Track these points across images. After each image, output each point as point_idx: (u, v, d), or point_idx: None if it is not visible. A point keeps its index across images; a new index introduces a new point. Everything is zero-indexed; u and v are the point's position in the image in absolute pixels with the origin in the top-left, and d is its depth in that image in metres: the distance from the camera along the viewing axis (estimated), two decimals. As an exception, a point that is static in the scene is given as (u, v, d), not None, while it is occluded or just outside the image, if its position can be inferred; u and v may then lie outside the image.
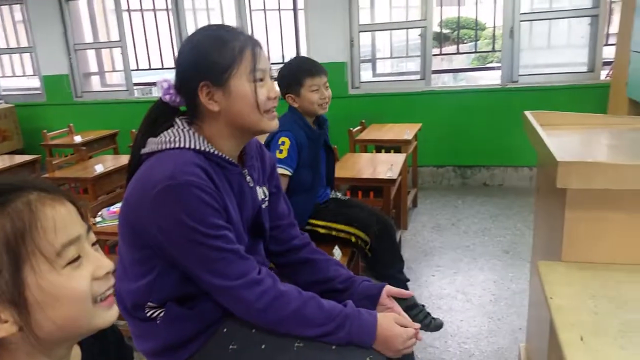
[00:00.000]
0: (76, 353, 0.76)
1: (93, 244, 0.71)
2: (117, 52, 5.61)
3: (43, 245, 0.63)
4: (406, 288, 2.32)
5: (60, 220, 0.66)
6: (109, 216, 2.46)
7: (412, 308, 2.23)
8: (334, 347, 1.16)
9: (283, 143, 2.09)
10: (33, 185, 0.67)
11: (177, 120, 1.21)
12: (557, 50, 4.65)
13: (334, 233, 2.20)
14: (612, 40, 4.30)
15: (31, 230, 0.63)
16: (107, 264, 0.70)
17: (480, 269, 2.99)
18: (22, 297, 0.62)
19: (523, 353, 1.89)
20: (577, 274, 1.12)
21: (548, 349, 1.24)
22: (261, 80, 1.20)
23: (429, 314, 2.20)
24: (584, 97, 4.17)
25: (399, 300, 1.49)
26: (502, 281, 2.83)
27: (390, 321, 1.20)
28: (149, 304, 1.20)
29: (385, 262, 2.27)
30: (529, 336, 1.93)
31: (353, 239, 2.19)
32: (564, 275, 1.12)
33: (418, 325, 1.26)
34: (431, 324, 2.18)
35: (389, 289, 1.35)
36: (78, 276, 0.66)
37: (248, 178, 1.28)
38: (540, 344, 1.53)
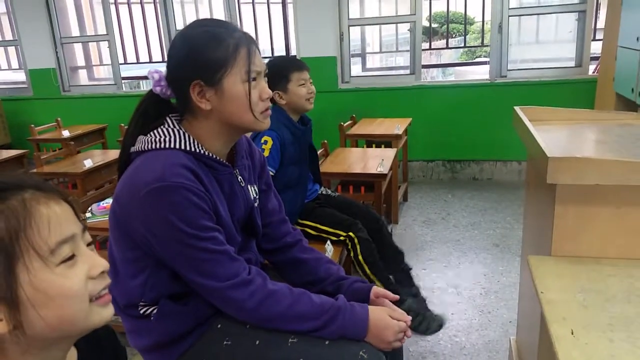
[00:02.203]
0: (72, 355, 0.76)
1: (88, 244, 0.71)
2: (104, 45, 5.55)
3: (36, 243, 0.63)
4: (410, 277, 2.40)
5: (54, 218, 0.66)
6: (99, 212, 2.45)
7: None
8: (327, 342, 1.16)
9: (265, 142, 2.09)
10: (29, 184, 0.67)
11: (167, 118, 1.19)
12: (545, 45, 4.69)
13: (323, 235, 2.22)
14: (599, 35, 4.33)
15: (25, 228, 0.63)
16: (102, 263, 0.70)
17: (470, 263, 3.02)
18: (14, 294, 0.62)
19: (514, 346, 1.91)
20: (566, 268, 1.13)
21: (539, 342, 1.26)
22: (254, 80, 1.18)
23: (424, 317, 2.24)
24: (571, 92, 4.21)
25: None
26: (492, 274, 2.86)
27: (382, 313, 1.21)
28: (141, 302, 1.19)
29: (384, 259, 2.28)
30: (519, 329, 1.95)
31: (342, 238, 2.21)
32: (554, 269, 1.13)
33: (409, 317, 1.26)
34: (431, 326, 2.24)
35: (376, 290, 1.34)
36: (72, 275, 0.66)
37: (239, 178, 1.28)
38: (530, 337, 1.55)
